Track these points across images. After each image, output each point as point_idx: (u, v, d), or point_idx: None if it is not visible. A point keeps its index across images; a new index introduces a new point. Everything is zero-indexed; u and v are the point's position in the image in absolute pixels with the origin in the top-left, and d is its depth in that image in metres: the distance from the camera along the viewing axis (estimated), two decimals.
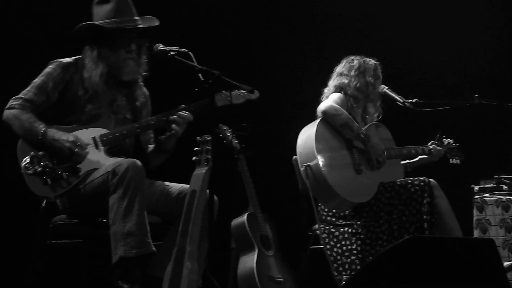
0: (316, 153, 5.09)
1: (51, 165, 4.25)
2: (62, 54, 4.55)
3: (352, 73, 5.38)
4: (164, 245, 4.33)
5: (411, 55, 6.79)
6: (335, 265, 5.12)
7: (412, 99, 5.49)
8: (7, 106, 4.36)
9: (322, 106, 5.26)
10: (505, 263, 5.04)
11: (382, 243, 5.04)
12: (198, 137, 4.01)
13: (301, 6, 6.84)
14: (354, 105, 5.37)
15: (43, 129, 4.27)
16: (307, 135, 5.21)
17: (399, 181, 5.22)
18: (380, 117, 5.50)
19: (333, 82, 5.43)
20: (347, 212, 5.20)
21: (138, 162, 4.20)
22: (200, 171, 3.94)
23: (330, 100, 5.30)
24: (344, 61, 5.46)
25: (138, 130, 4.49)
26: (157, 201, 4.40)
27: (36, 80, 4.42)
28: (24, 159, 4.25)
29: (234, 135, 5.34)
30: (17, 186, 4.30)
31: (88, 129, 4.38)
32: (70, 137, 4.27)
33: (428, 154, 5.66)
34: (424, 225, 5.04)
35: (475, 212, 5.52)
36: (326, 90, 5.44)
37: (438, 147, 5.70)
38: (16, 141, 4.33)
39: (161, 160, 4.65)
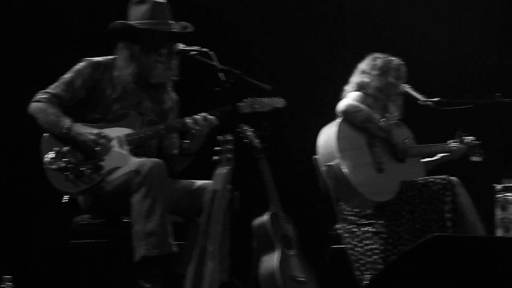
0: (337, 152, 5.09)
1: (74, 161, 4.26)
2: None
3: (374, 72, 5.36)
4: (186, 244, 4.34)
5: (431, 52, 6.76)
6: (357, 264, 5.11)
7: (434, 97, 5.48)
8: (34, 99, 4.37)
9: (341, 105, 5.25)
10: None
11: (404, 242, 5.03)
12: (219, 136, 4.02)
13: (322, 1, 6.83)
14: (374, 105, 5.35)
15: (68, 123, 4.28)
16: (328, 134, 5.21)
17: (420, 180, 5.20)
18: (401, 116, 5.48)
19: (355, 79, 5.41)
20: (369, 211, 5.19)
21: (162, 162, 4.20)
22: (222, 171, 3.94)
23: (349, 98, 5.29)
24: (368, 59, 5.43)
25: (163, 132, 4.49)
26: (179, 199, 4.40)
27: (65, 76, 4.42)
28: (48, 154, 4.26)
29: (255, 134, 5.35)
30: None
31: (114, 128, 4.39)
32: (94, 130, 4.29)
33: (449, 152, 5.63)
34: (446, 223, 5.02)
35: (497, 211, 5.49)
36: (347, 87, 5.42)
37: (458, 145, 5.67)
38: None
39: (184, 164, 4.63)
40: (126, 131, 4.39)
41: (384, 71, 5.37)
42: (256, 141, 5.35)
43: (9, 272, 4.33)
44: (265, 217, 5.27)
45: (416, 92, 5.49)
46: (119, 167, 4.28)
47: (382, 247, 5.08)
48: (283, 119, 6.27)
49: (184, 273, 3.93)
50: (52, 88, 4.39)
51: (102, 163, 4.28)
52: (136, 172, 4.14)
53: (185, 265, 3.99)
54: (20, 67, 5.67)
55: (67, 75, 4.42)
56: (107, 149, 4.28)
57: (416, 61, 5.80)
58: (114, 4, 4.87)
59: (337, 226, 5.27)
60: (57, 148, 4.26)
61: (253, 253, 5.35)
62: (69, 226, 4.42)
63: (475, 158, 5.75)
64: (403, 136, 5.34)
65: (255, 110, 4.59)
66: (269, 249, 5.22)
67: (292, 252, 5.28)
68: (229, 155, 3.96)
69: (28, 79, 4.36)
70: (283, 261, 5.16)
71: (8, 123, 5.50)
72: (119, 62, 4.45)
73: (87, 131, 4.29)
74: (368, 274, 5.06)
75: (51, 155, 4.25)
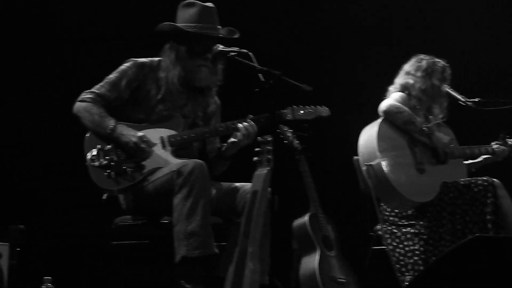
0: (378, 152, 5.08)
1: (116, 159, 4.30)
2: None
3: (419, 74, 5.33)
4: (227, 246, 4.35)
5: (472, 53, 6.71)
6: (397, 265, 5.09)
7: (475, 98, 5.43)
8: (79, 98, 4.41)
9: (383, 106, 5.24)
10: None
11: (445, 243, 5.00)
12: (259, 137, 4.02)
13: (365, 3, 6.82)
14: (417, 106, 5.32)
15: (112, 124, 4.32)
16: (369, 134, 5.20)
17: (462, 181, 5.16)
18: (445, 118, 5.44)
19: (399, 80, 5.39)
20: (409, 212, 5.17)
21: (203, 163, 4.22)
22: (262, 172, 3.94)
23: (391, 99, 5.28)
24: (413, 60, 5.41)
25: (207, 135, 4.50)
26: (219, 200, 4.41)
27: (110, 76, 4.46)
28: (91, 152, 4.30)
29: (295, 135, 5.35)
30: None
31: (157, 129, 4.41)
32: (138, 133, 4.32)
33: (492, 154, 5.58)
34: (488, 225, 4.98)
35: None
36: (391, 88, 5.40)
37: (502, 147, 5.62)
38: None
39: (223, 168, 4.64)
40: (170, 132, 4.41)
41: (428, 72, 5.35)
42: (296, 142, 5.35)
43: (50, 273, 4.37)
44: (305, 218, 5.27)
45: (457, 93, 5.45)
46: (161, 167, 4.31)
47: (423, 248, 5.05)
48: (323, 120, 6.25)
49: (225, 276, 3.94)
50: (97, 88, 4.43)
51: (144, 163, 4.32)
52: (178, 173, 4.17)
53: (225, 267, 4.00)
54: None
55: (112, 75, 4.46)
56: (148, 152, 4.31)
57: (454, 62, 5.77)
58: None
59: (378, 227, 5.26)
60: (99, 146, 4.31)
61: (293, 254, 5.35)
62: (110, 227, 4.46)
63: None
64: (446, 138, 5.30)
65: (298, 117, 4.60)
66: (309, 250, 5.22)
67: (332, 253, 5.27)
68: (269, 156, 3.95)
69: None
70: (323, 262, 5.16)
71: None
72: (165, 63, 4.48)
73: (130, 133, 4.32)
74: (408, 276, 5.03)
75: (94, 152, 4.29)
